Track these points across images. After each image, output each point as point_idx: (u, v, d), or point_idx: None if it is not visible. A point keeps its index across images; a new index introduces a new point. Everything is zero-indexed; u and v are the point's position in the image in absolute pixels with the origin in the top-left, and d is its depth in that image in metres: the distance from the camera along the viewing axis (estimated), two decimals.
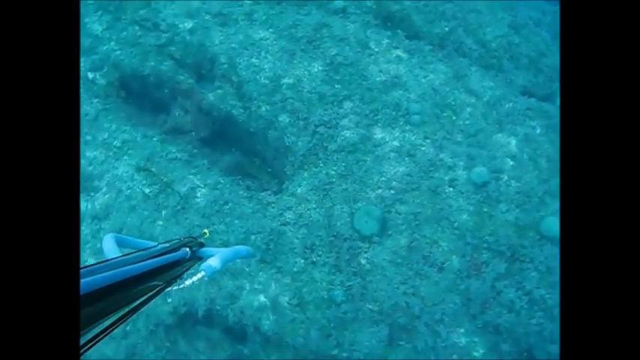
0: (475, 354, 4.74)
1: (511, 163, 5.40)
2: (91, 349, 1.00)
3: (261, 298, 5.01)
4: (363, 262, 5.06)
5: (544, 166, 5.35)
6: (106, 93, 6.86)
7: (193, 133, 6.56)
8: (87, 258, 5.66)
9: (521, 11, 6.90)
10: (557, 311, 4.69)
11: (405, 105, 5.87)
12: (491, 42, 6.50)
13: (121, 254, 1.55)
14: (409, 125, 5.78)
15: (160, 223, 5.64)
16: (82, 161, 6.20)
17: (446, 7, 6.67)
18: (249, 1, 6.85)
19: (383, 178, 5.44)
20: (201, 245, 1.98)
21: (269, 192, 5.90)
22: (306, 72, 6.13)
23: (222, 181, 5.94)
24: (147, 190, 5.87)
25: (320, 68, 6.15)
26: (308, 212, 5.38)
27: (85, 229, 5.83)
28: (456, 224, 5.11)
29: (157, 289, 1.39)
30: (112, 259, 1.42)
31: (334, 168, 5.60)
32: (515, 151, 5.49)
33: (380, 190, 5.38)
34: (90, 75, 6.91)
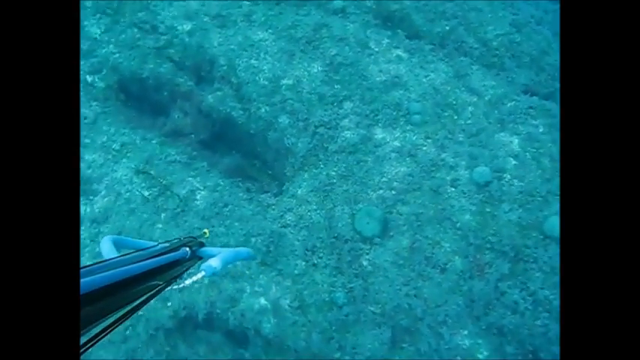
0: (479, 356, 4.69)
1: (514, 162, 5.36)
2: (90, 353, 0.98)
3: (262, 300, 4.96)
4: (365, 263, 5.02)
5: (547, 165, 5.30)
6: (105, 96, 6.83)
7: (193, 136, 6.52)
8: (86, 262, 5.59)
9: (522, 9, 6.87)
10: None
11: (406, 105, 5.84)
12: (493, 41, 6.47)
13: (119, 255, 1.54)
14: (410, 125, 5.74)
15: (160, 226, 5.59)
16: (81, 164, 6.16)
17: (446, 6, 6.64)
18: (247, 2, 6.82)
19: (384, 179, 5.40)
20: (202, 245, 1.99)
21: (269, 194, 5.86)
22: (305, 72, 6.10)
23: (221, 183, 5.90)
24: (146, 193, 5.83)
25: (320, 69, 6.12)
26: (309, 214, 5.33)
27: (84, 233, 5.78)
28: (458, 224, 5.06)
29: (157, 289, 1.40)
30: (111, 258, 1.42)
31: (335, 169, 5.56)
32: (518, 150, 5.44)
33: (381, 191, 5.33)
34: (89, 78, 6.88)
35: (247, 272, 5.10)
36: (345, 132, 5.72)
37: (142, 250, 1.65)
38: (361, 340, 4.73)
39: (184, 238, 1.99)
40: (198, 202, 5.69)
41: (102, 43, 6.96)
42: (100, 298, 1.15)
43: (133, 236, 5.51)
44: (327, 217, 5.26)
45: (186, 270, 1.73)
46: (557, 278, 4.76)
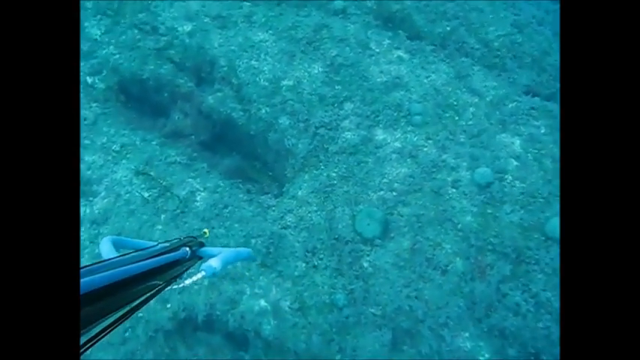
0: (480, 358, 4.66)
1: (515, 163, 5.33)
2: (89, 354, 0.97)
3: (262, 302, 4.94)
4: (365, 265, 4.99)
5: (549, 166, 5.28)
6: (105, 97, 6.81)
7: (193, 137, 6.51)
8: (85, 263, 5.58)
9: (524, 10, 6.85)
10: None
11: (407, 106, 5.82)
12: (494, 41, 6.45)
13: (118, 255, 1.53)
14: (411, 126, 5.72)
15: (159, 227, 5.57)
16: (81, 166, 6.14)
17: (447, 6, 6.63)
18: (248, 3, 6.81)
19: (385, 180, 5.38)
20: (202, 245, 1.99)
21: (269, 195, 5.84)
22: (306, 73, 6.09)
23: (221, 184, 5.88)
24: (146, 194, 5.81)
25: (320, 69, 6.11)
26: (309, 215, 5.31)
27: (84, 234, 5.75)
28: (459, 226, 5.04)
29: (157, 289, 1.40)
30: (111, 258, 1.42)
31: (335, 170, 5.54)
32: (520, 151, 5.42)
33: (382, 192, 5.31)
34: (89, 79, 6.87)
35: (247, 274, 5.07)
36: (346, 133, 5.70)
37: (142, 250, 1.65)
38: (362, 342, 4.70)
39: (184, 238, 1.99)
40: (198, 204, 5.67)
41: (102, 44, 6.95)
42: (99, 298, 1.15)
43: (132, 237, 5.49)
44: (327, 219, 5.23)
45: (186, 270, 1.73)
46: (558, 280, 4.73)
